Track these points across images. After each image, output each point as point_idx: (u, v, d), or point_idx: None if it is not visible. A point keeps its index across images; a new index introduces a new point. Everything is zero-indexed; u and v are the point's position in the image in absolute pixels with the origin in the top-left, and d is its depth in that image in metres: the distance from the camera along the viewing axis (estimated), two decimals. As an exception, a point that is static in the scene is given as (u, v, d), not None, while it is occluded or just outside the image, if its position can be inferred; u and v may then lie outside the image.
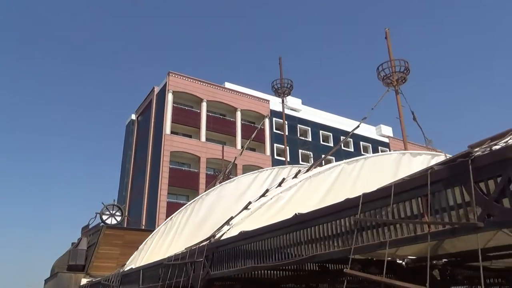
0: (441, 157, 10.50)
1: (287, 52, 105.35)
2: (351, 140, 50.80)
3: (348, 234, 4.24)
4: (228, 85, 43.55)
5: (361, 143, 51.14)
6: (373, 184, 8.66)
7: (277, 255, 5.33)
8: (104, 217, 19.29)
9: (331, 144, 48.07)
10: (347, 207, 4.33)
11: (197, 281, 6.75)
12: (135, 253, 11.75)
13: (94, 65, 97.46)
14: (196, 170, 37.16)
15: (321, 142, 47.06)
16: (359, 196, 4.13)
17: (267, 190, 8.64)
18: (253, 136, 23.42)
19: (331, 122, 50.25)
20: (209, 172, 37.65)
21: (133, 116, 46.10)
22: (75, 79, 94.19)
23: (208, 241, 7.33)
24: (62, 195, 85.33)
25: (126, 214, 21.72)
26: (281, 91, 17.30)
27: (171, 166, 35.80)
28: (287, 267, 7.85)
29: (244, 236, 6.01)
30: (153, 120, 39.80)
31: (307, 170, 10.34)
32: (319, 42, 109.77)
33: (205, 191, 35.12)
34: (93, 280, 14.54)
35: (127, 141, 46.18)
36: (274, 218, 7.32)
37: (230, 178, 23.63)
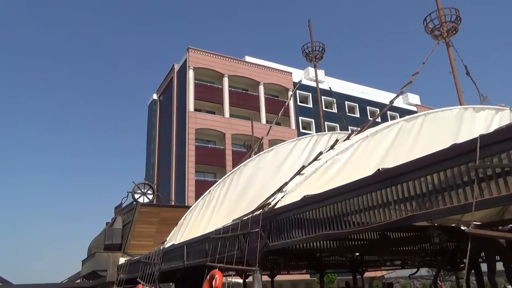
0: (506, 112, 9.47)
1: (304, 19, 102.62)
2: (377, 110, 49.28)
3: (459, 188, 3.44)
4: (248, 59, 42.44)
5: (388, 112, 49.47)
6: (435, 143, 7.77)
7: (352, 220, 4.60)
8: (136, 196, 18.97)
9: (357, 115, 46.72)
10: (455, 154, 3.51)
11: (254, 253, 6.12)
12: (174, 229, 11.28)
13: (111, 48, 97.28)
14: (221, 147, 36.66)
15: (347, 113, 45.69)
16: (475, 139, 3.30)
17: (320, 153, 7.86)
18: (282, 110, 22.50)
19: (356, 93, 48.71)
20: (234, 149, 37.12)
21: (155, 96, 45.72)
22: (94, 65, 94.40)
23: (261, 210, 6.66)
24: (91, 179, 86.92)
25: (157, 192, 21.41)
26: (313, 55, 16.28)
27: (196, 144, 35.40)
28: (355, 236, 7.16)
29: (310, 200, 5.28)
30: (175, 98, 39.28)
31: (348, 137, 9.47)
32: (335, 12, 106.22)
33: (232, 168, 34.72)
34: (132, 259, 14.27)
35: (150, 121, 45.99)
36: (332, 183, 6.56)
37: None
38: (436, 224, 6.84)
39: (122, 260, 15.17)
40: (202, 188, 33.50)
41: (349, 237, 7.58)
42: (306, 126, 42.71)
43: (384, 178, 4.14)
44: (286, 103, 26.60)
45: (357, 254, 13.75)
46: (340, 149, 7.37)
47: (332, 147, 8.08)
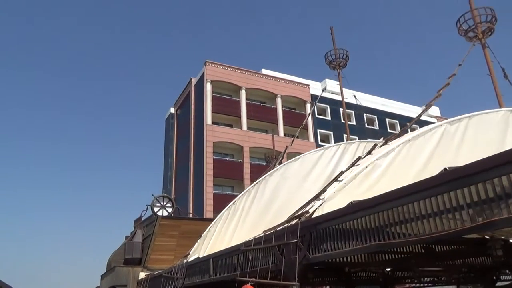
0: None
1: (320, 33, 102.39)
2: (397, 122, 48.39)
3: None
4: (265, 71, 42.27)
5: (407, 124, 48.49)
6: (481, 147, 7.16)
7: (410, 227, 4.06)
8: (155, 209, 18.61)
9: (376, 127, 45.88)
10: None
11: (293, 266, 5.58)
12: (198, 241, 10.79)
13: (129, 63, 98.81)
14: (239, 160, 36.25)
15: (366, 126, 44.89)
16: None
17: (358, 158, 7.33)
18: (305, 121, 22.09)
19: (375, 105, 47.91)
20: (253, 162, 36.66)
21: (172, 110, 45.79)
22: (111, 80, 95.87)
23: (298, 219, 6.14)
24: (108, 193, 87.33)
25: (176, 206, 21.03)
26: (336, 63, 15.81)
27: (214, 157, 35.06)
28: (398, 248, 6.55)
29: (358, 207, 4.76)
30: (193, 112, 39.20)
31: (386, 142, 8.91)
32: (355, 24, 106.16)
33: (250, 182, 34.32)
34: (152, 273, 13.80)
35: (168, 135, 45.97)
36: (373, 190, 6.04)
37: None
38: (502, 237, 6.23)
39: (142, 275, 14.71)
40: (220, 201, 33.06)
41: (392, 250, 6.97)
42: (325, 138, 42.06)
43: (455, 177, 3.60)
44: (308, 114, 26.09)
45: (388, 269, 13.03)
46: (380, 153, 6.84)
47: (369, 152, 7.55)
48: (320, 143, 41.29)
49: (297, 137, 40.54)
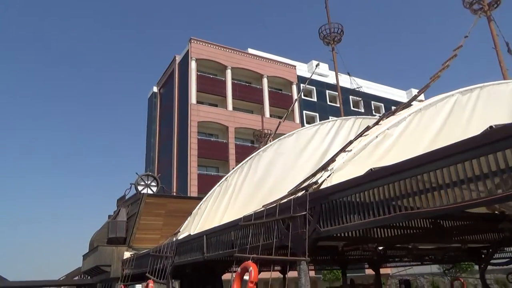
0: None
1: (311, 13, 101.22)
2: (382, 105, 48.44)
3: None
4: (251, 51, 41.39)
5: (392, 108, 48.60)
6: (490, 120, 6.77)
7: (444, 193, 3.63)
8: (139, 188, 17.94)
9: (362, 110, 45.78)
10: None
11: (302, 241, 5.13)
12: (188, 219, 10.27)
13: (109, 39, 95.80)
14: (224, 141, 35.64)
15: (352, 108, 44.74)
16: None
17: (367, 128, 6.87)
18: (292, 105, 21.44)
19: (368, 89, 47.72)
20: (238, 143, 36.14)
21: (155, 89, 44.61)
22: (92, 57, 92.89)
23: (304, 191, 5.67)
24: (89, 176, 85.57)
25: (161, 185, 20.40)
26: (330, 38, 15.20)
27: (199, 137, 34.35)
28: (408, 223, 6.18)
29: (379, 174, 4.29)
30: (176, 91, 38.20)
31: (394, 112, 8.48)
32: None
33: (236, 162, 33.65)
34: (138, 253, 13.25)
35: (150, 115, 44.88)
36: (383, 161, 5.60)
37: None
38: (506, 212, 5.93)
39: (127, 255, 14.15)
40: (204, 182, 32.50)
41: (398, 224, 6.61)
42: (310, 120, 41.74)
43: (504, 136, 3.15)
44: (299, 96, 25.54)
45: (380, 248, 12.85)
46: (390, 123, 6.39)
47: (377, 123, 7.10)
48: (305, 124, 40.94)
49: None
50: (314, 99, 42.64)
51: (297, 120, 40.26)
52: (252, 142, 38.02)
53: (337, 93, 45.34)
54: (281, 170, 10.89)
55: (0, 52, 78.39)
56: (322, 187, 5.50)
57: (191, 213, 10.29)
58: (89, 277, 20.26)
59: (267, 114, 38.33)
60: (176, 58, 39.42)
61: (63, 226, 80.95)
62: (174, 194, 31.25)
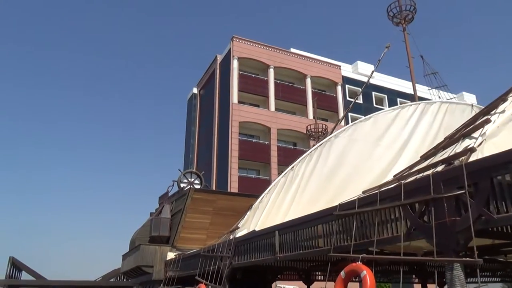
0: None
1: (351, 14, 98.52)
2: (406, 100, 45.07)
3: None
4: (294, 51, 39.84)
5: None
6: None
7: None
8: (182, 185, 16.70)
9: (387, 107, 42.90)
10: None
11: (451, 234, 3.45)
12: (247, 213, 8.74)
13: (149, 43, 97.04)
14: (266, 142, 34.11)
15: (374, 105, 41.98)
16: None
17: (509, 91, 5.09)
18: (351, 106, 19.67)
19: (408, 90, 44.92)
20: (280, 145, 34.53)
21: (195, 90, 43.86)
22: (131, 60, 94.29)
23: (445, 164, 3.98)
24: (128, 178, 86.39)
25: (205, 183, 19.08)
26: (401, 17, 13.29)
27: (240, 138, 33.00)
28: None
29: None
30: (217, 91, 37.16)
31: None
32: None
33: (277, 165, 31.86)
34: (184, 253, 11.86)
35: (190, 116, 44.11)
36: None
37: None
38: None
39: (170, 255, 12.81)
40: (245, 185, 31.07)
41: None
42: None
43: None
44: (355, 99, 23.63)
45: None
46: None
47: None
48: (350, 127, 38.81)
49: (326, 120, 38.40)
50: (360, 101, 40.38)
51: (343, 122, 38.10)
52: (294, 145, 36.34)
53: (383, 95, 43.09)
54: (355, 160, 9.22)
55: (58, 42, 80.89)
56: (471, 159, 3.80)
57: (251, 207, 8.75)
58: (128, 279, 19.13)
59: (310, 116, 36.52)
60: (218, 58, 38.47)
61: (102, 226, 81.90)
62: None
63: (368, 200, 4.62)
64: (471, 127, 4.47)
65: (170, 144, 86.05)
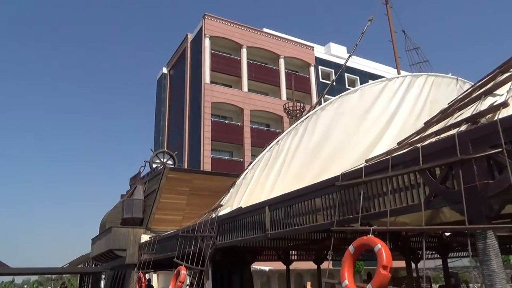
0: None
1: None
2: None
3: None
4: (267, 30, 39.05)
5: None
6: None
7: None
8: (154, 166, 15.91)
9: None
10: None
11: (482, 199, 3.03)
12: (230, 191, 8.19)
13: (114, 23, 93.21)
14: (239, 123, 33.49)
15: (347, 86, 42.21)
16: None
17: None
18: (328, 88, 19.14)
19: (380, 72, 45.28)
20: (253, 126, 33.99)
21: (165, 70, 42.40)
22: (97, 42, 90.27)
23: (469, 123, 3.55)
24: (94, 162, 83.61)
25: (179, 164, 18.34)
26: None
27: (212, 119, 32.20)
28: None
29: None
30: (188, 71, 36.01)
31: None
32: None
33: (250, 147, 31.21)
34: (159, 235, 11.22)
35: (159, 97, 42.71)
36: None
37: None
38: None
39: (145, 238, 12.14)
40: (218, 166, 30.41)
41: None
42: (328, 104, 39.48)
43: None
44: (331, 82, 23.19)
45: (447, 234, 10.84)
46: None
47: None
48: (323, 109, 38.74)
49: (299, 101, 38.09)
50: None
51: (314, 102, 38.00)
52: (268, 126, 35.93)
53: (356, 77, 43.14)
54: (342, 134, 8.83)
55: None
56: (501, 116, 3.39)
57: (234, 184, 8.21)
58: (98, 264, 18.30)
59: (284, 97, 36.12)
60: (188, 37, 37.18)
61: (69, 214, 79.35)
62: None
63: (377, 167, 4.17)
64: (490, 85, 4.07)
65: (139, 126, 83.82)
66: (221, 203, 8.03)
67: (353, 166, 8.27)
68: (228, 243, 7.02)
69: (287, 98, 36.24)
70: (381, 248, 3.54)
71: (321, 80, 39.64)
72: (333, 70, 40.77)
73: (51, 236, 71.59)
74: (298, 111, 20.04)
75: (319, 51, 41.90)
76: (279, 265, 19.77)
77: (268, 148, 8.27)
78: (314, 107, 18.05)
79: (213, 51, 34.00)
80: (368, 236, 3.79)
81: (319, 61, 40.12)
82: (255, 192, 8.11)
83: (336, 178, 4.64)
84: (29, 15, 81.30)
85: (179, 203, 12.54)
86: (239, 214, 6.81)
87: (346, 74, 41.91)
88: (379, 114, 9.24)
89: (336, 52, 42.61)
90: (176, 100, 38.50)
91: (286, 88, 36.76)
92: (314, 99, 38.25)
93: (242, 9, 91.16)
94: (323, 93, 24.63)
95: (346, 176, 4.53)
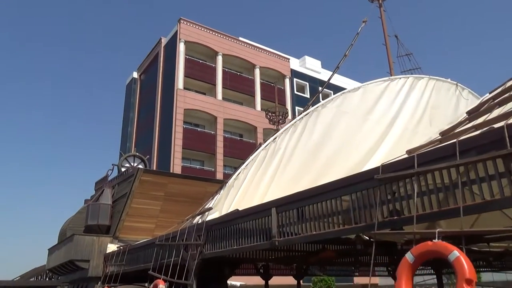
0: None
1: (300, 12, 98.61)
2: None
3: None
4: (243, 39, 38.46)
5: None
6: None
7: None
8: (123, 170, 14.58)
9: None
10: None
11: None
12: (220, 193, 7.15)
13: (87, 22, 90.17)
14: (212, 132, 32.37)
15: (321, 100, 42.39)
16: None
17: None
18: (312, 100, 18.72)
19: (353, 87, 45.62)
20: (226, 135, 32.96)
21: (135, 75, 40.78)
22: (66, 34, 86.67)
23: None
24: (53, 166, 79.39)
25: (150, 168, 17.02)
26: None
27: (184, 126, 30.93)
28: None
29: None
30: (161, 75, 34.65)
31: None
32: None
33: (223, 157, 30.08)
34: (130, 244, 9.93)
35: (128, 102, 40.92)
36: None
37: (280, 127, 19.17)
38: None
39: (111, 247, 10.79)
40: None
41: None
42: (302, 117, 39.12)
43: None
44: (317, 93, 22.72)
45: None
46: None
47: None
48: (297, 121, 38.33)
49: (274, 114, 37.39)
50: (307, 95, 40.12)
51: (289, 115, 37.45)
52: (241, 136, 35.01)
53: (330, 91, 43.17)
54: (343, 135, 8.05)
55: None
56: None
57: (225, 185, 7.18)
58: (53, 277, 16.52)
59: (258, 107, 35.45)
60: (162, 41, 35.94)
61: (21, 221, 74.52)
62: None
63: (436, 155, 3.31)
64: None
65: (105, 132, 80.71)
66: (208, 205, 6.97)
67: (354, 169, 7.46)
68: (219, 252, 5.96)
69: (261, 109, 35.58)
70: (460, 257, 2.66)
71: (295, 92, 39.31)
72: (307, 83, 40.64)
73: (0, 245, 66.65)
74: (281, 117, 19.23)
75: (294, 64, 41.72)
76: (252, 280, 18.69)
77: (264, 145, 7.33)
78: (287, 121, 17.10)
79: (187, 57, 32.94)
80: (433, 241, 2.90)
81: (294, 73, 39.85)
82: (247, 194, 7.12)
83: (373, 171, 3.75)
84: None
85: (153, 209, 11.31)
86: (235, 218, 5.78)
87: (320, 88, 41.86)
88: (381, 116, 8.57)
89: (311, 66, 42.57)
90: (146, 105, 36.95)
91: (261, 98, 36.12)
92: (289, 111, 37.77)
93: (217, 17, 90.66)
94: (309, 104, 23.83)
95: (388, 167, 3.65)
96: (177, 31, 33.33)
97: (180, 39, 32.71)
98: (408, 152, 3.97)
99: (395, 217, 3.48)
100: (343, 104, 8.18)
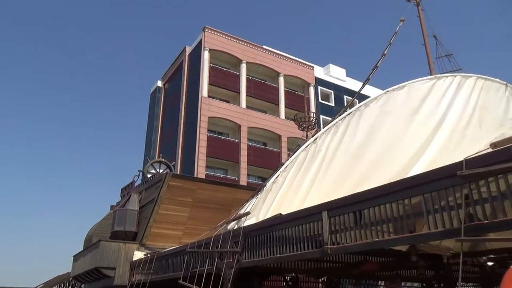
0: None
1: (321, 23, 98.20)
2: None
3: None
4: (267, 47, 38.22)
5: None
6: None
7: None
8: (149, 176, 14.29)
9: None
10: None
11: None
12: (258, 196, 6.65)
13: (109, 32, 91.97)
14: (236, 140, 32.03)
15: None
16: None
17: None
18: (342, 111, 18.16)
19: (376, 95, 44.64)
20: (250, 144, 32.56)
21: (159, 83, 41.02)
22: (89, 49, 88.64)
23: None
24: (76, 173, 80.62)
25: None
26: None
27: (208, 134, 30.70)
28: None
29: None
30: (185, 84, 34.67)
31: None
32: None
33: (247, 166, 29.74)
34: (158, 251, 9.52)
35: (152, 111, 41.10)
36: None
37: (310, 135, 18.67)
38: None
39: (138, 255, 10.42)
40: (212, 185, 28.76)
41: None
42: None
43: None
44: (353, 99, 22.17)
45: (490, 263, 9.49)
46: None
47: None
48: (322, 129, 37.60)
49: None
50: (332, 103, 39.47)
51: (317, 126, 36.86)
52: (265, 145, 34.54)
53: (355, 100, 42.29)
54: (388, 136, 7.47)
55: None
56: None
57: (262, 189, 6.68)
58: (77, 285, 16.28)
59: (282, 115, 34.97)
60: (187, 49, 36.04)
61: (51, 230, 75.76)
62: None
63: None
64: None
65: (129, 140, 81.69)
66: (244, 210, 6.48)
67: (401, 174, 6.83)
68: (258, 261, 5.45)
69: (285, 117, 35.13)
70: None
71: (320, 100, 38.68)
72: (332, 91, 39.99)
73: (25, 251, 67.76)
74: (312, 122, 18.70)
75: (319, 72, 41.18)
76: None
77: (304, 146, 6.82)
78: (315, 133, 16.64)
79: (212, 65, 32.86)
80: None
81: (319, 82, 39.29)
82: (286, 199, 6.61)
83: (456, 166, 3.19)
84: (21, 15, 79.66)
85: (180, 216, 10.91)
86: (278, 223, 5.26)
87: (345, 96, 41.11)
88: (427, 117, 7.94)
89: (336, 74, 41.93)
90: (170, 114, 37.01)
91: (285, 106, 35.65)
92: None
93: (241, 25, 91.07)
94: (339, 114, 23.16)
95: (473, 163, 3.08)
96: (201, 39, 33.37)
97: (204, 47, 32.70)
98: (493, 145, 3.39)
99: (485, 221, 2.91)
100: (387, 104, 7.60)
